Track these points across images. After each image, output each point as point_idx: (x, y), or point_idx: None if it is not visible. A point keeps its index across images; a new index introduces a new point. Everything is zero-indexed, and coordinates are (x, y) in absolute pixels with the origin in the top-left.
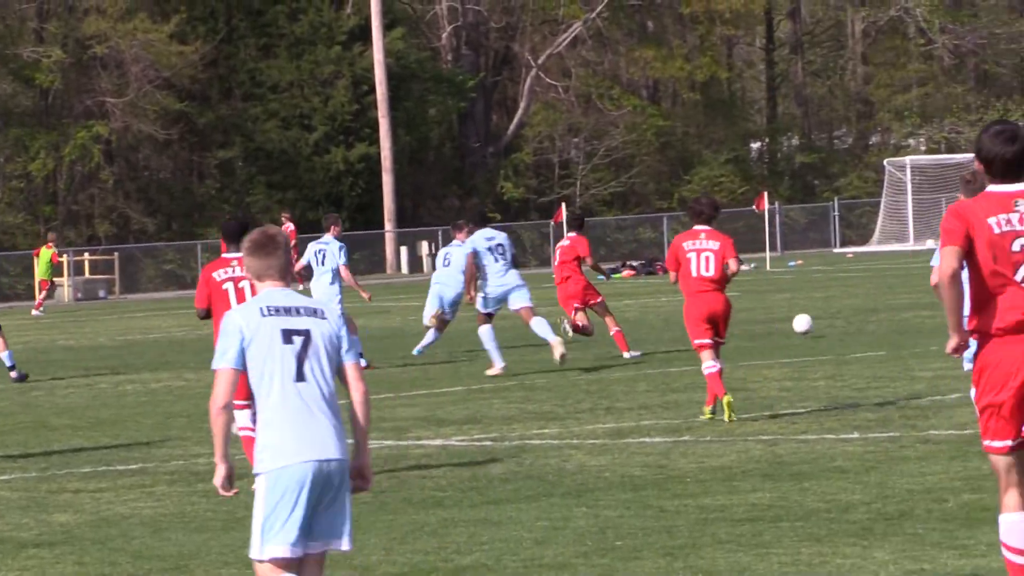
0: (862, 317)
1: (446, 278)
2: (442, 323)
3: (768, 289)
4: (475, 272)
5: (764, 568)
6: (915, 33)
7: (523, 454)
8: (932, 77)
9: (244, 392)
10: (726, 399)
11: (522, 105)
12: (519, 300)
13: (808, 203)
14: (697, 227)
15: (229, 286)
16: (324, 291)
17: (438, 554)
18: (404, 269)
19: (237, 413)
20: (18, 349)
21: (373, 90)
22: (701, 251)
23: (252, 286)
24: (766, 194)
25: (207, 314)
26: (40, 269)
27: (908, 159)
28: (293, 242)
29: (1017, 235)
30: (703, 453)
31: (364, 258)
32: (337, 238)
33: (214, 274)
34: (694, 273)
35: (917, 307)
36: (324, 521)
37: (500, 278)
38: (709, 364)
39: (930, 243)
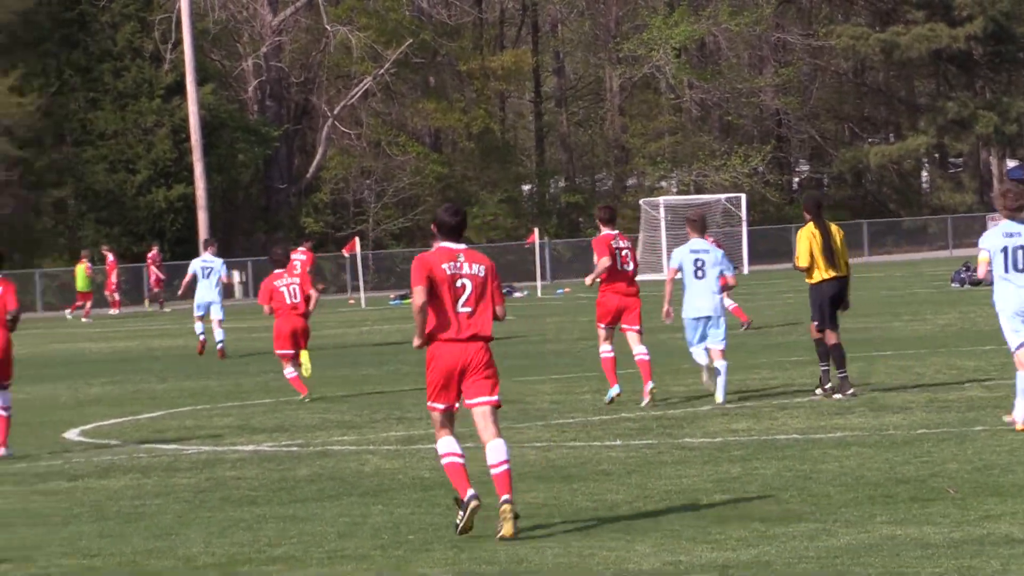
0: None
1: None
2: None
3: (540, 313)
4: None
5: (539, 560)
6: (666, 88)
7: (325, 458)
8: (681, 127)
9: None
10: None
11: (320, 151)
12: None
13: (573, 238)
14: (279, 270)
15: None
16: (210, 295)
17: (252, 546)
18: None
19: None
20: None
21: (189, 138)
22: (289, 285)
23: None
24: (536, 230)
25: None
26: (80, 283)
27: (662, 199)
28: (114, 271)
29: (459, 276)
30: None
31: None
32: (215, 255)
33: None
34: (287, 301)
35: (671, 329)
36: None
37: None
38: (289, 371)
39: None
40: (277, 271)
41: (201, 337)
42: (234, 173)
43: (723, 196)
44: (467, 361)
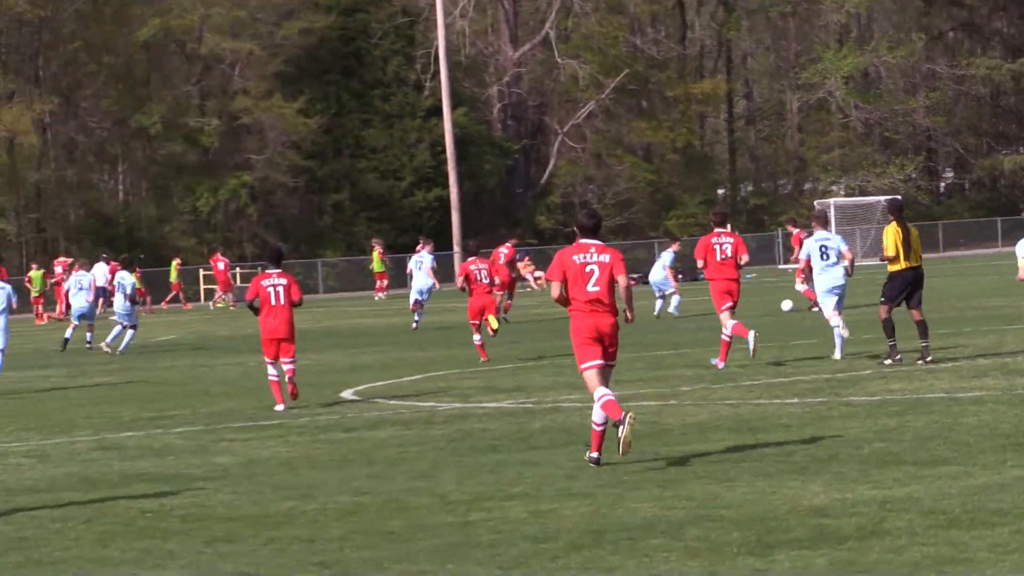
0: (796, 315)
1: (421, 277)
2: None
3: None
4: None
5: (731, 496)
6: (836, 109)
7: (556, 413)
8: (848, 141)
9: None
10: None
11: (552, 161)
12: None
13: (759, 233)
14: (471, 257)
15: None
16: (424, 282)
17: (495, 486)
18: None
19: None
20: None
21: (445, 151)
22: (480, 269)
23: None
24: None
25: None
26: (375, 266)
27: (832, 200)
28: (383, 260)
29: (588, 264)
30: (685, 413)
31: (437, 272)
32: (428, 252)
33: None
34: (477, 281)
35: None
36: None
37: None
38: (476, 338)
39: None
40: (470, 258)
41: (414, 325)
42: (481, 180)
43: (882, 198)
44: (602, 330)
